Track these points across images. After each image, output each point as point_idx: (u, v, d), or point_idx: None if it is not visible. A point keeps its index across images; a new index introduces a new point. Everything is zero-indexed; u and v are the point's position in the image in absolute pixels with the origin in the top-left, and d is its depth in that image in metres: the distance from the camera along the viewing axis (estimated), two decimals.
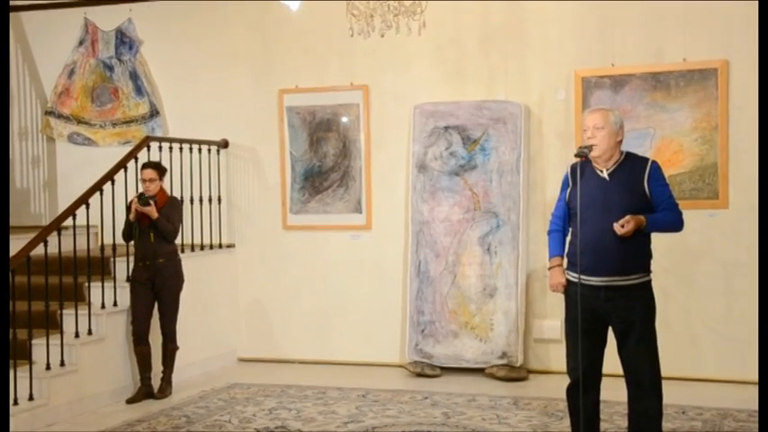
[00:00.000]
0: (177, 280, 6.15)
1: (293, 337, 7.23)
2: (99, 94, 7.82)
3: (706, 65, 6.13)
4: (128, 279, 6.19)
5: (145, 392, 6.01)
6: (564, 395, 4.34)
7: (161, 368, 6.15)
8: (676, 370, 5.79)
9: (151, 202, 5.91)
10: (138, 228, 5.99)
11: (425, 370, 6.56)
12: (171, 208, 6.11)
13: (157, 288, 6.05)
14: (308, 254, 7.21)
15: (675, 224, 4.17)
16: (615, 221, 4.01)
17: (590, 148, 4.12)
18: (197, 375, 6.64)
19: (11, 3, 7.61)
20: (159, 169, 6.11)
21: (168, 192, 6.28)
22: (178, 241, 6.27)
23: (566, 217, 4.32)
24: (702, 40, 6.16)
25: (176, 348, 6.16)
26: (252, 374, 6.78)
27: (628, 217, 3.98)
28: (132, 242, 6.11)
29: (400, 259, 6.91)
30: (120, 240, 6.19)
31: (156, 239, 5.99)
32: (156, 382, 6.12)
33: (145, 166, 6.11)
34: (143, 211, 5.89)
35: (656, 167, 4.16)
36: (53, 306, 5.71)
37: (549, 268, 4.36)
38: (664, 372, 4.18)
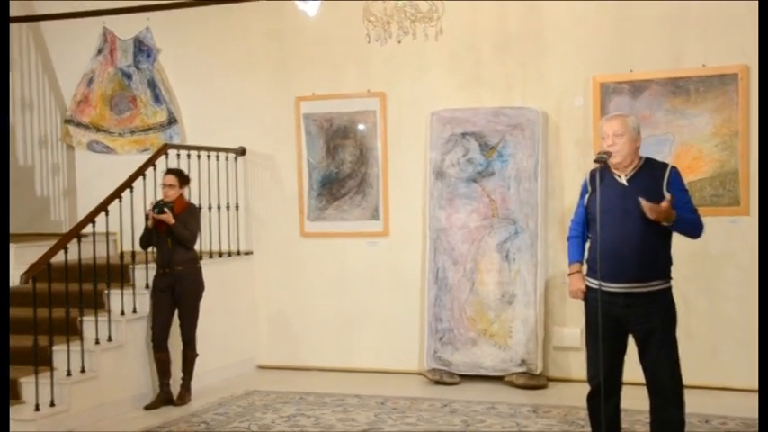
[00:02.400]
0: (197, 287, 6.17)
1: (311, 344, 7.23)
2: (117, 103, 7.87)
3: (726, 70, 6.08)
4: (146, 286, 6.21)
5: (164, 399, 6.03)
6: (584, 403, 4.31)
7: (180, 375, 6.16)
8: (699, 378, 5.74)
9: (166, 209, 5.92)
10: (156, 234, 6.02)
11: (444, 377, 6.54)
12: (189, 215, 6.12)
13: (177, 295, 6.06)
14: (326, 261, 7.21)
15: (696, 228, 4.15)
16: (634, 227, 3.99)
17: (609, 153, 4.11)
18: (216, 382, 6.65)
19: (33, 13, 7.70)
20: (181, 177, 6.14)
21: (188, 200, 6.29)
22: (196, 248, 6.28)
23: (585, 223, 4.31)
24: (722, 46, 6.12)
25: (196, 355, 6.17)
26: (270, 381, 6.78)
27: (664, 203, 3.92)
28: (150, 249, 6.13)
29: (418, 266, 6.90)
30: (138, 247, 6.21)
31: (173, 246, 6.01)
32: (175, 388, 6.13)
33: (168, 171, 6.16)
34: (158, 218, 5.91)
35: (675, 173, 4.14)
36: (73, 313, 5.75)
37: (569, 274, 4.36)
38: (686, 380, 4.15)
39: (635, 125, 4.16)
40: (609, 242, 4.04)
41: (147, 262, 6.25)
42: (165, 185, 6.06)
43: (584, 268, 4.30)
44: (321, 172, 7.21)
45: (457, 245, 6.67)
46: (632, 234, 4.02)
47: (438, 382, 6.52)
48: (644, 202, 3.93)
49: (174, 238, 5.99)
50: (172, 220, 5.93)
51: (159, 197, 6.11)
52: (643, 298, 4.06)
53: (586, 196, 4.28)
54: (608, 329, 4.06)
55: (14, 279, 5.97)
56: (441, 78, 6.89)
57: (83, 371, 5.65)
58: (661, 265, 4.10)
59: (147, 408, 5.96)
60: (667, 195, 3.97)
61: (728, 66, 6.09)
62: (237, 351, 7.13)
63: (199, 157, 6.91)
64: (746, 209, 6.07)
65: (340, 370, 7.07)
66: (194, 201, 6.60)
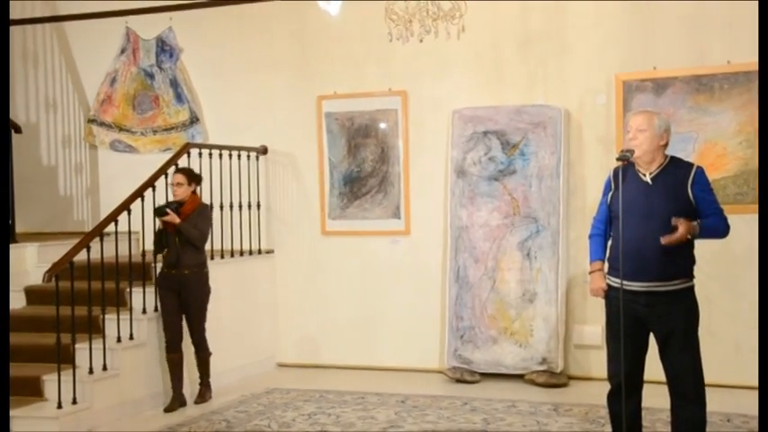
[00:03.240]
0: (202, 291, 6.06)
1: (332, 343, 7.23)
2: (140, 102, 7.92)
3: (751, 67, 6.00)
4: None
5: (179, 402, 5.96)
6: (605, 402, 4.28)
7: (198, 375, 6.17)
8: (721, 377, 5.68)
9: (168, 210, 5.86)
10: (166, 235, 5.98)
11: (465, 376, 6.52)
12: (199, 214, 6.03)
13: (183, 298, 5.98)
14: (347, 259, 7.22)
15: (722, 230, 4.11)
16: (657, 226, 3.95)
17: (632, 151, 4.07)
18: (236, 380, 6.67)
19: (56, 13, 7.77)
20: (189, 175, 6.07)
21: (201, 199, 6.22)
22: (217, 247, 6.28)
23: (607, 221, 4.28)
24: (747, 42, 6.03)
25: (209, 354, 6.13)
26: (291, 379, 6.80)
27: (681, 219, 3.89)
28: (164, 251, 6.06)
29: (439, 265, 6.89)
30: None
31: (182, 246, 5.92)
32: (193, 388, 6.14)
33: (177, 170, 6.12)
34: (163, 220, 5.91)
35: (700, 173, 4.09)
36: (96, 311, 5.78)
37: (590, 272, 4.32)
38: (708, 378, 4.11)
39: (661, 123, 4.11)
40: (631, 241, 4.00)
41: None
42: (173, 184, 6.03)
43: (606, 266, 4.27)
44: (342, 170, 7.22)
45: (478, 243, 6.65)
46: (655, 233, 3.98)
47: (458, 381, 6.50)
48: (673, 238, 3.91)
49: (183, 237, 5.93)
50: (177, 220, 5.86)
51: (158, 205, 6.03)
52: (665, 297, 4.02)
53: (609, 194, 4.24)
54: (629, 328, 4.03)
55: (37, 277, 6.02)
56: (462, 77, 6.87)
57: (105, 369, 5.69)
58: (683, 264, 4.06)
59: (166, 410, 5.93)
60: (678, 221, 3.92)
61: (754, 62, 5.98)
62: (258, 349, 7.16)
63: (221, 156, 6.94)
64: None
65: (360, 368, 7.07)
66: (216, 199, 6.63)
